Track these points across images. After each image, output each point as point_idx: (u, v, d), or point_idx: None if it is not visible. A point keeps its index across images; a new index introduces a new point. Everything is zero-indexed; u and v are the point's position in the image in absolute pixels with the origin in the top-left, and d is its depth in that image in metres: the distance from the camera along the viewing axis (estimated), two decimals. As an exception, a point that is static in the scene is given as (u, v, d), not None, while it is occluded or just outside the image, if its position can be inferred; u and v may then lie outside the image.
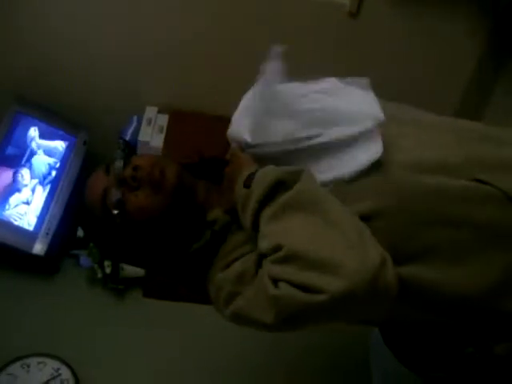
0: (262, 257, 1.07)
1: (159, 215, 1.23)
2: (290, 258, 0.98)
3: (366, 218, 1.09)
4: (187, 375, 2.30)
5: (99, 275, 2.51)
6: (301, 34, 2.65)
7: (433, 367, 1.72)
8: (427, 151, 1.19)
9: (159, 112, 2.78)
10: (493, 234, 1.12)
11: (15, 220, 2.49)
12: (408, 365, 1.76)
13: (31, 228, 2.51)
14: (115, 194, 1.23)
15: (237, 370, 2.32)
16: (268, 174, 1.07)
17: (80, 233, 2.63)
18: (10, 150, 2.59)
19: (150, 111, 2.77)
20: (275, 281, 1.00)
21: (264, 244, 1.04)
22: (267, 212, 1.04)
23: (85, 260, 2.58)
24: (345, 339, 2.29)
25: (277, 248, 1.00)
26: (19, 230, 2.48)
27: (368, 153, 1.13)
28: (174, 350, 2.36)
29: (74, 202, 2.62)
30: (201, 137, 2.21)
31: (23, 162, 2.61)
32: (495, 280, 1.12)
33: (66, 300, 2.48)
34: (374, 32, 2.67)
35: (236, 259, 1.17)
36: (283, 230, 1.01)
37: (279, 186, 1.04)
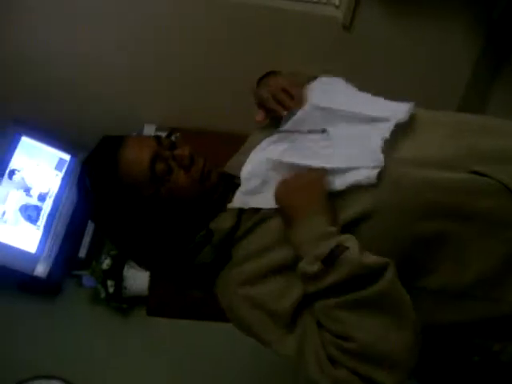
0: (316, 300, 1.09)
1: (188, 202, 1.25)
2: (359, 354, 1.02)
3: (365, 216, 1.12)
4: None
5: (102, 295, 2.51)
6: (295, 47, 2.67)
7: (440, 376, 1.71)
8: (425, 146, 1.20)
9: (157, 130, 2.79)
10: (491, 225, 1.13)
11: (17, 243, 2.49)
12: (415, 375, 1.76)
13: (33, 250, 2.51)
14: (166, 161, 1.24)
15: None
16: (356, 258, 1.02)
17: (82, 253, 2.64)
18: (10, 172, 2.59)
19: (149, 129, 2.78)
20: (333, 361, 1.04)
21: (331, 326, 1.06)
22: (346, 298, 1.03)
23: (87, 280, 2.58)
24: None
25: (347, 338, 1.03)
26: (21, 253, 2.48)
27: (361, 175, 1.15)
28: (179, 368, 2.35)
29: (74, 223, 2.63)
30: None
31: (23, 183, 2.62)
32: (493, 270, 1.13)
33: (69, 320, 2.49)
34: (367, 44, 2.68)
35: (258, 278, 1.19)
36: (358, 324, 1.03)
37: (363, 277, 1.02)
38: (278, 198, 1.17)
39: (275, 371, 2.30)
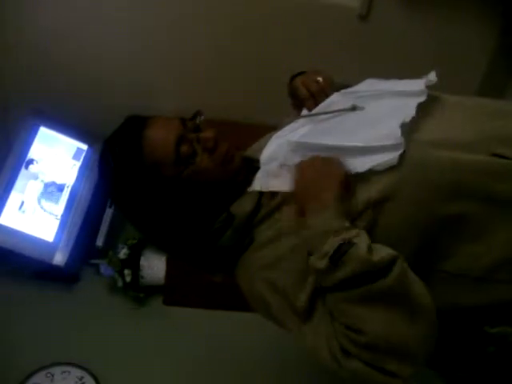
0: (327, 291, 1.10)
1: (210, 185, 1.27)
2: (371, 346, 1.03)
3: (388, 197, 1.12)
4: (209, 382, 2.31)
5: (120, 284, 2.53)
6: (311, 37, 2.66)
7: (456, 367, 1.71)
8: (447, 128, 1.20)
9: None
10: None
11: (34, 231, 2.52)
12: (431, 365, 1.76)
13: (51, 239, 2.54)
14: (191, 143, 1.26)
15: (257, 374, 2.32)
16: (362, 256, 1.02)
17: (99, 242, 2.66)
18: (28, 162, 2.62)
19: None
20: (347, 352, 1.06)
21: (343, 318, 1.07)
22: (355, 292, 1.03)
23: (105, 269, 2.60)
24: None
25: (358, 331, 1.04)
26: (39, 241, 2.51)
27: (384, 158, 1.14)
28: (196, 357, 2.36)
29: (92, 212, 2.65)
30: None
31: (41, 174, 2.64)
32: (510, 253, 1.12)
33: (88, 309, 2.51)
34: (384, 34, 2.67)
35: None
36: (368, 317, 1.03)
37: (373, 271, 1.02)
38: (294, 185, 1.18)
39: (293, 361, 2.31)
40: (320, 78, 1.41)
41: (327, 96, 1.38)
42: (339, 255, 1.02)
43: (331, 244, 1.04)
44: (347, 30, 2.67)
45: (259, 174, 1.31)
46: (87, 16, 2.62)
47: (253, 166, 1.35)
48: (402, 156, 1.12)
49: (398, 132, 1.13)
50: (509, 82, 2.69)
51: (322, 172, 1.16)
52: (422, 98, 1.22)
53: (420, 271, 1.08)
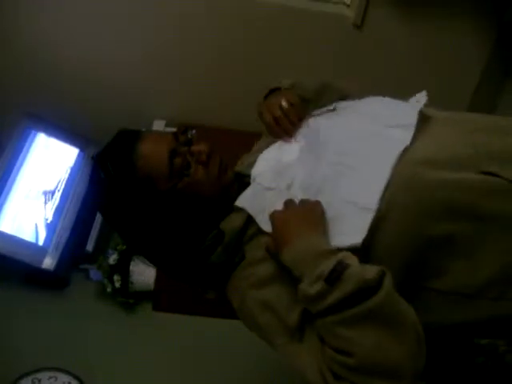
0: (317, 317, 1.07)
1: (204, 198, 1.28)
2: (360, 368, 1.01)
3: (379, 218, 1.11)
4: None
5: (109, 289, 2.52)
6: (305, 45, 2.68)
7: (444, 377, 1.71)
8: (437, 146, 1.19)
9: (167, 126, 2.80)
10: (504, 226, 1.11)
11: (25, 234, 2.51)
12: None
13: (41, 243, 2.52)
14: (184, 157, 1.26)
15: (245, 381, 2.32)
16: (358, 274, 1.00)
17: (89, 247, 2.65)
18: (19, 166, 2.60)
19: (158, 125, 2.79)
20: (337, 375, 1.04)
21: (332, 341, 1.05)
22: (344, 315, 1.01)
23: (95, 274, 2.59)
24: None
25: (347, 353, 1.02)
26: (29, 245, 2.49)
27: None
28: (184, 363, 2.35)
29: (82, 217, 2.64)
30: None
31: (32, 178, 2.63)
32: (507, 270, 1.11)
33: (76, 314, 2.49)
34: (378, 43, 2.68)
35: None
36: (357, 339, 1.01)
37: (362, 292, 1.00)
38: (275, 228, 1.16)
39: (282, 369, 2.31)
40: (284, 103, 1.37)
41: (298, 118, 1.37)
42: (336, 276, 1.00)
43: (325, 266, 1.02)
44: (342, 39, 2.68)
45: (247, 191, 1.31)
46: (82, 23, 2.62)
47: (243, 181, 1.35)
48: (392, 175, 1.14)
49: (376, 197, 1.13)
50: (501, 93, 2.71)
51: (302, 213, 1.15)
52: (409, 134, 1.21)
53: (409, 289, 1.08)
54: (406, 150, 1.17)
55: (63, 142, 2.79)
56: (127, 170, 1.24)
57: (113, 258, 2.52)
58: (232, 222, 1.27)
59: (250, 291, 1.21)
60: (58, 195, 2.67)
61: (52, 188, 2.67)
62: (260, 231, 1.23)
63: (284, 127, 1.36)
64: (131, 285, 2.54)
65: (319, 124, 1.35)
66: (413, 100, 1.35)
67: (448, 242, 1.11)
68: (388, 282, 1.01)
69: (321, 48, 2.69)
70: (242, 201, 1.29)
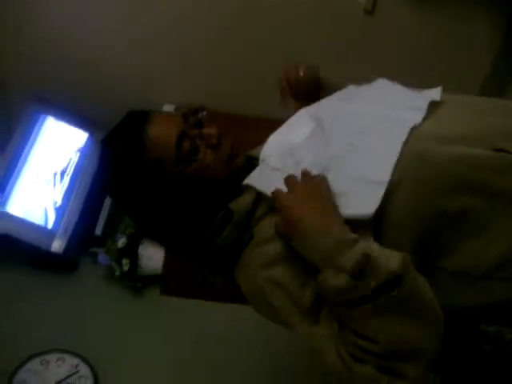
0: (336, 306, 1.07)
1: (213, 182, 1.26)
2: (384, 354, 1.01)
3: (389, 191, 1.09)
4: (204, 372, 2.30)
5: (117, 273, 2.53)
6: (316, 30, 2.66)
7: (451, 365, 1.71)
8: (448, 124, 1.18)
9: (176, 110, 2.79)
10: None
11: (34, 217, 2.52)
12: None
13: (50, 226, 2.54)
14: (193, 141, 1.24)
15: (253, 365, 2.32)
16: (378, 268, 0.98)
17: (98, 231, 2.66)
18: (28, 149, 2.61)
19: (168, 109, 2.78)
20: (356, 358, 1.03)
21: (354, 327, 1.03)
22: (369, 306, 1.00)
23: (103, 258, 2.60)
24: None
25: (371, 340, 1.01)
26: (38, 228, 2.51)
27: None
28: (191, 347, 2.36)
29: (91, 201, 2.65)
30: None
31: (41, 161, 2.64)
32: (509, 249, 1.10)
33: (85, 297, 2.51)
34: (389, 30, 2.66)
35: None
36: (382, 327, 1.00)
37: (388, 283, 0.98)
38: (286, 215, 1.11)
39: (289, 355, 2.32)
40: (301, 72, 1.41)
41: (309, 87, 1.42)
42: (361, 268, 0.97)
43: (349, 257, 0.99)
44: (352, 25, 2.66)
45: (255, 172, 1.29)
46: (89, 6, 2.62)
47: (252, 164, 1.33)
48: (403, 148, 1.12)
49: (388, 170, 1.11)
50: (511, 82, 2.69)
51: (310, 191, 1.12)
52: (420, 114, 1.19)
53: (419, 268, 1.05)
54: (416, 127, 1.16)
55: (73, 126, 2.79)
56: (136, 152, 1.23)
57: (121, 242, 2.52)
58: (241, 202, 1.25)
59: (260, 271, 1.18)
60: (67, 179, 2.68)
61: (61, 171, 2.68)
62: (269, 211, 1.21)
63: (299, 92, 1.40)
64: (139, 268, 2.54)
65: (329, 107, 1.34)
66: (426, 92, 1.33)
67: (460, 218, 1.10)
68: (411, 268, 1.00)
69: (332, 34, 2.67)
70: (250, 180, 1.27)
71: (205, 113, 1.31)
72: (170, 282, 2.50)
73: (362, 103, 1.30)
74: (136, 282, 2.54)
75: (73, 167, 2.71)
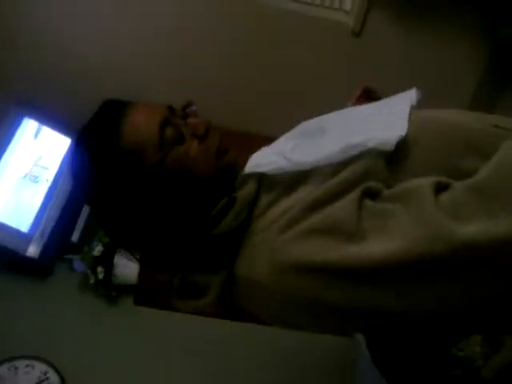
0: None
1: (198, 177, 1.10)
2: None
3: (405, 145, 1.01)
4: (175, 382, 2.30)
5: (92, 281, 2.51)
6: (305, 50, 2.69)
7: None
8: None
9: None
10: None
11: (11, 221, 2.50)
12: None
13: (26, 230, 2.52)
14: (178, 128, 1.10)
15: (227, 376, 2.31)
16: None
17: (74, 238, 2.64)
18: (9, 152, 2.60)
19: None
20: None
21: None
22: None
23: (78, 264, 2.59)
24: (333, 341, 2.26)
25: None
26: (14, 232, 2.49)
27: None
28: (163, 358, 2.35)
29: (69, 207, 2.63)
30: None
31: (22, 164, 2.62)
32: None
33: (58, 303, 2.48)
34: (375, 52, 2.70)
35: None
36: None
37: None
38: None
39: (267, 365, 2.33)
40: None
41: None
42: None
43: None
44: (340, 45, 2.69)
45: (250, 162, 1.17)
46: (76, 11, 2.63)
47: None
48: (409, 117, 1.06)
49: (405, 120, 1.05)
50: (494, 108, 2.73)
51: None
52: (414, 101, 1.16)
53: None
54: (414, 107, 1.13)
55: (55, 131, 2.78)
56: (111, 141, 1.07)
57: (97, 250, 2.51)
58: (243, 190, 1.09)
59: (281, 237, 0.98)
60: (47, 183, 2.66)
61: (41, 175, 2.66)
62: (283, 193, 1.04)
63: None
64: (114, 277, 2.53)
65: (330, 117, 1.26)
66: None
67: None
68: None
69: (320, 53, 2.70)
70: (248, 167, 1.14)
71: (194, 108, 1.18)
72: (144, 293, 2.49)
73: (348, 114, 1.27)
74: (110, 290, 2.53)
75: (54, 172, 2.69)
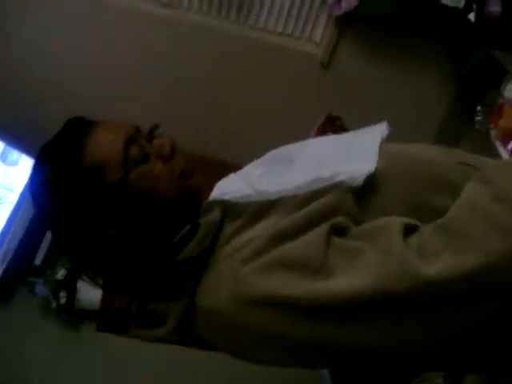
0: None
1: (161, 199, 1.08)
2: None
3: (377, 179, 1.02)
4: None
5: (54, 305, 2.48)
6: (273, 79, 2.72)
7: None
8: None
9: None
10: None
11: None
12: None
13: (-12, 252, 2.48)
14: (142, 148, 1.08)
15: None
16: None
17: (38, 261, 2.61)
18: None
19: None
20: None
21: None
22: None
23: (40, 288, 2.55)
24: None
25: None
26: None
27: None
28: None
29: (33, 229, 2.60)
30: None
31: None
32: None
33: (18, 327, 2.44)
34: (343, 84, 2.74)
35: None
36: None
37: None
38: None
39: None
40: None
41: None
42: None
43: None
44: (308, 76, 2.73)
45: (215, 192, 1.15)
46: (49, 27, 2.65)
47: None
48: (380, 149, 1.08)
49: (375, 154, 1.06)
50: (461, 137, 2.78)
51: None
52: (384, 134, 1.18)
53: None
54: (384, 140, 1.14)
55: (20, 152, 2.75)
56: (73, 158, 1.04)
57: (61, 274, 2.48)
58: (208, 217, 1.07)
59: (244, 267, 0.96)
60: (11, 205, 2.63)
61: (5, 197, 2.63)
62: (248, 222, 1.03)
63: None
64: (77, 302, 2.50)
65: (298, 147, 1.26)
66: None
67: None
68: None
69: (288, 83, 2.73)
70: (214, 194, 1.13)
71: (161, 130, 1.16)
72: (107, 319, 2.46)
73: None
74: (73, 316, 2.49)
75: (18, 193, 2.66)
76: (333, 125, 1.48)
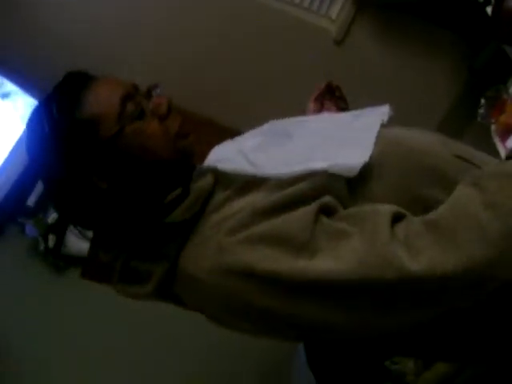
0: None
1: (154, 157, 1.09)
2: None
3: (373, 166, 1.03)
4: (118, 357, 2.31)
5: (41, 247, 2.49)
6: (285, 50, 2.71)
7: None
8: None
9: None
10: None
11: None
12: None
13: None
14: (139, 104, 1.09)
15: (168, 357, 2.33)
16: None
17: (30, 202, 2.61)
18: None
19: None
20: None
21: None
22: None
23: (30, 229, 2.56)
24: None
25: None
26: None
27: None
28: (106, 333, 2.36)
29: (29, 170, 2.60)
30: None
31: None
32: None
33: (4, 266, 2.46)
34: (355, 61, 2.73)
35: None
36: None
37: None
38: None
39: (201, 361, 2.35)
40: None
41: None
42: None
43: None
44: (320, 51, 2.72)
45: (214, 152, 1.17)
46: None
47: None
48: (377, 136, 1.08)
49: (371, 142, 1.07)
50: (464, 130, 2.79)
51: None
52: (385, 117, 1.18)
53: None
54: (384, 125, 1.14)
55: (22, 91, 2.74)
56: (70, 109, 1.06)
57: (52, 217, 2.50)
58: (200, 182, 1.07)
59: (230, 237, 0.97)
60: (11, 143, 2.62)
61: (6, 135, 2.63)
62: (238, 193, 1.04)
63: None
64: (64, 247, 2.52)
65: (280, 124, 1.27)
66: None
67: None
68: None
69: (299, 56, 2.72)
70: (208, 160, 1.15)
71: (159, 90, 1.16)
72: (92, 266, 2.48)
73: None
74: (59, 259, 2.51)
75: (19, 133, 2.66)
76: (332, 94, 1.48)
